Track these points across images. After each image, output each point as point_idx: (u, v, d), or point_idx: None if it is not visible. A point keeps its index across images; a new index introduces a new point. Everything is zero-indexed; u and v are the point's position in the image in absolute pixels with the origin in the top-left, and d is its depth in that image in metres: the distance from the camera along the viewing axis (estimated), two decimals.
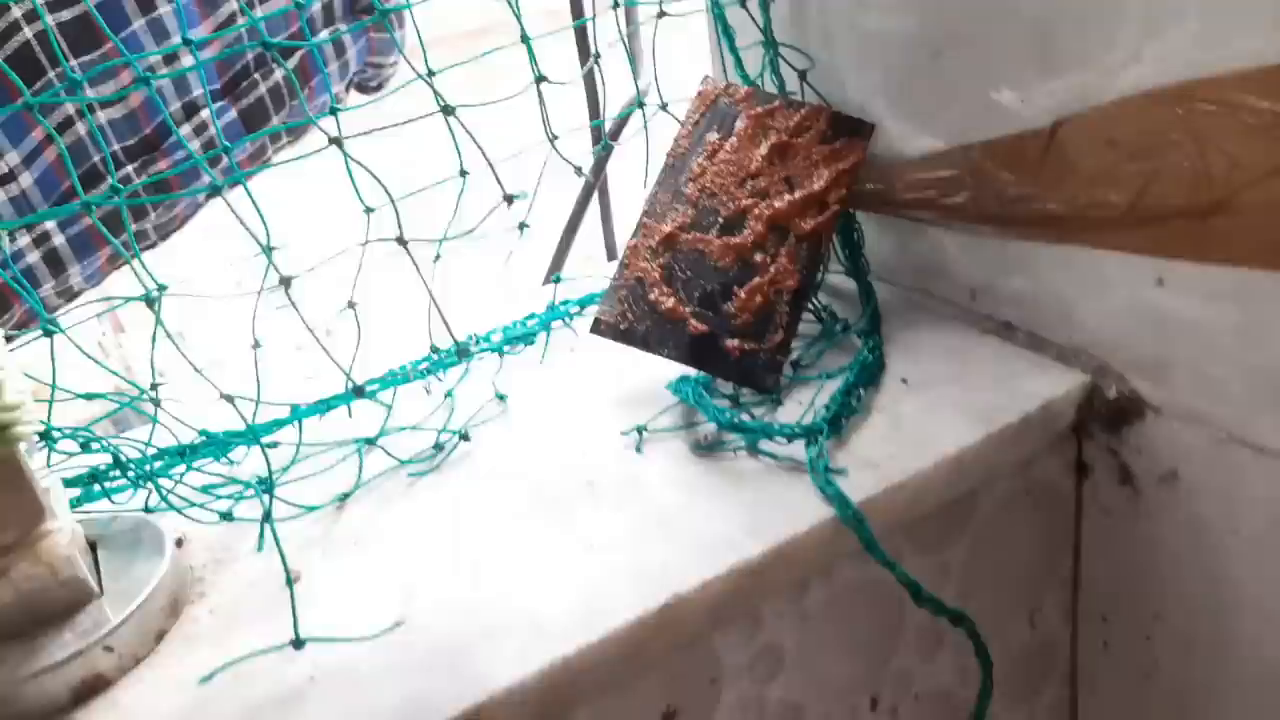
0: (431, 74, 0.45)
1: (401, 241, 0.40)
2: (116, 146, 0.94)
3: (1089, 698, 0.52)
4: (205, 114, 1.02)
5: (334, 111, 0.46)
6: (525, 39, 0.48)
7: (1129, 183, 0.41)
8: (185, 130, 1.00)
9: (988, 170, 0.47)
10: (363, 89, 1.18)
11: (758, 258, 0.49)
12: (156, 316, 0.40)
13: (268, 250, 0.42)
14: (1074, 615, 0.51)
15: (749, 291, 0.48)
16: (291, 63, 1.09)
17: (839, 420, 0.44)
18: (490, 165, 0.41)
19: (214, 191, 0.49)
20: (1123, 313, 0.43)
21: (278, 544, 0.37)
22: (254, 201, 0.41)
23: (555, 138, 0.50)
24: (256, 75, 1.06)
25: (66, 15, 0.87)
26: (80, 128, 0.92)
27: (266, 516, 0.38)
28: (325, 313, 0.49)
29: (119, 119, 0.95)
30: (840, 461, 0.42)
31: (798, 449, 0.43)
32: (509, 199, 0.43)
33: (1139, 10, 0.37)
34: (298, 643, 0.35)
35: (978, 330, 0.50)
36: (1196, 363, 0.41)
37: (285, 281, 0.36)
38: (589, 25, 0.49)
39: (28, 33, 0.86)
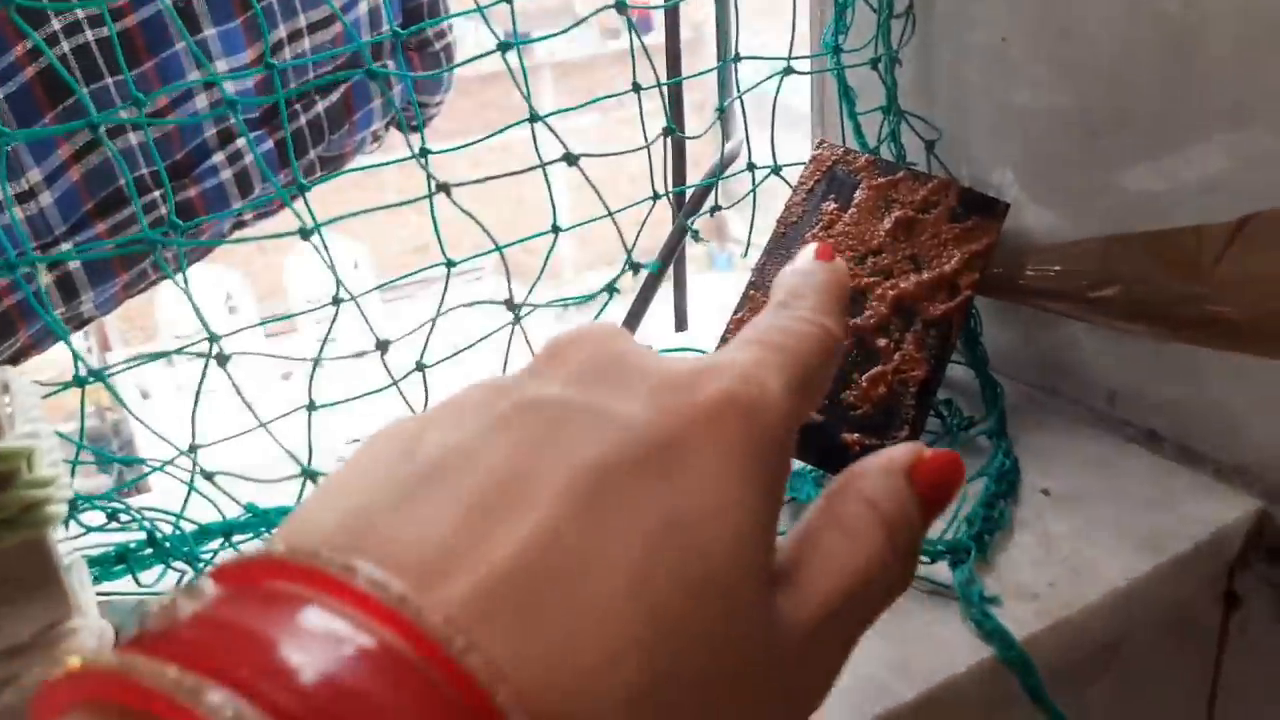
0: (536, 118, 0.40)
1: (513, 307, 0.34)
2: (145, 170, 0.89)
3: None
4: (240, 143, 0.97)
5: (425, 153, 0.42)
6: (636, 86, 0.44)
7: None
8: (219, 158, 0.95)
9: (1147, 265, 0.42)
10: (403, 127, 1.13)
11: (881, 342, 0.44)
12: (207, 370, 0.34)
13: (345, 300, 0.37)
14: None
15: (871, 380, 0.43)
16: (336, 96, 1.04)
17: (983, 537, 0.38)
18: (619, 231, 0.36)
19: (239, 225, 0.43)
20: None
21: None
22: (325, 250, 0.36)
23: (659, 195, 0.45)
24: (297, 106, 1.02)
25: (107, 32, 0.82)
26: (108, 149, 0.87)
27: None
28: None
29: (153, 142, 0.90)
30: (990, 588, 0.36)
31: (941, 570, 0.37)
32: (635, 267, 0.38)
33: None
34: None
35: (1119, 438, 0.45)
36: None
37: (383, 346, 0.31)
38: (719, 77, 0.44)
39: (65, 46, 0.81)
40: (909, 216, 0.46)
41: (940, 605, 0.36)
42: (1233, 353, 0.40)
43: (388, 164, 0.45)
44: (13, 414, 0.28)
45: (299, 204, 0.41)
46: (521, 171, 0.37)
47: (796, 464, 0.43)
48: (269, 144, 1.05)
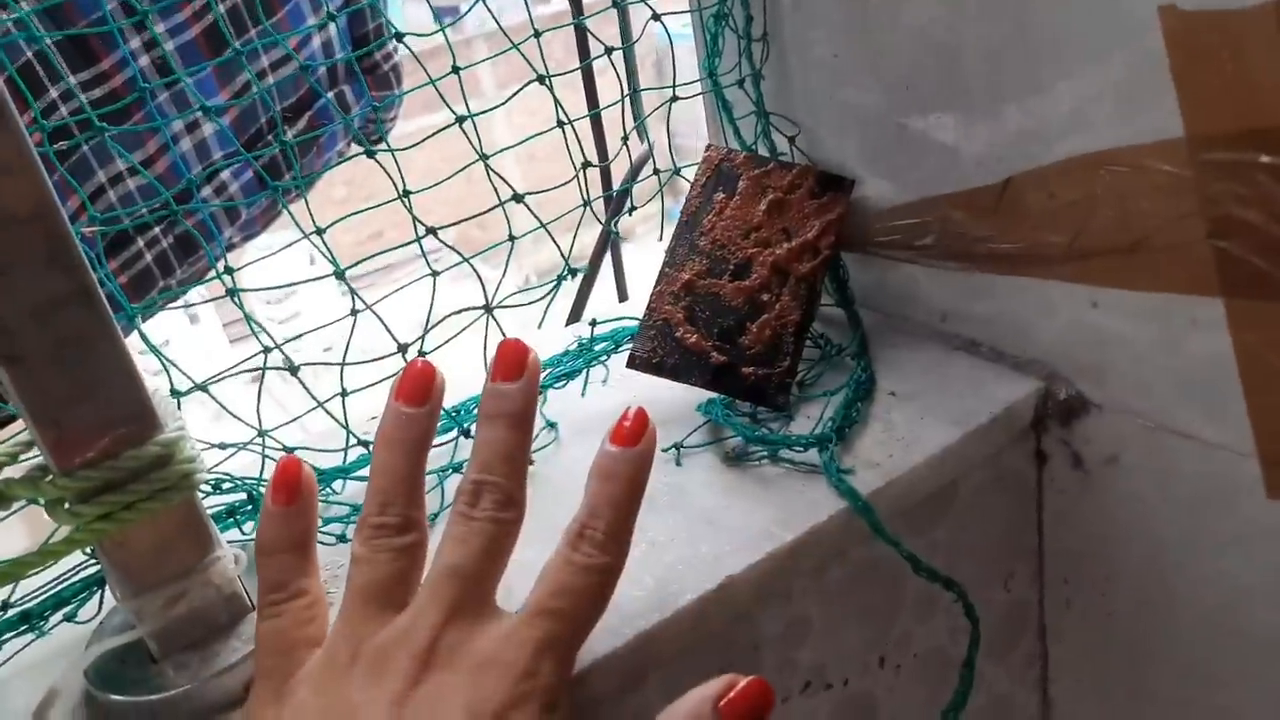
0: (467, 117, 0.54)
1: (489, 310, 0.48)
2: (145, 209, 1.01)
3: (1056, 647, 0.62)
4: (224, 175, 1.10)
5: (392, 151, 0.55)
6: (560, 123, 0.57)
7: (1067, 227, 0.51)
8: (206, 191, 1.08)
9: (951, 217, 0.57)
10: (363, 142, 1.26)
11: (764, 298, 0.58)
12: (265, 374, 0.48)
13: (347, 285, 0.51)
14: (1040, 579, 0.61)
15: (759, 327, 0.58)
16: (302, 123, 1.17)
17: (843, 430, 0.53)
18: (554, 240, 0.50)
19: (247, 238, 0.55)
20: (1067, 330, 0.54)
21: None
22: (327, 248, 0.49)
23: (589, 202, 0.59)
24: (270, 136, 1.15)
25: (98, 93, 0.95)
26: (112, 194, 1.00)
27: None
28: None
29: (145, 185, 1.03)
30: (848, 463, 0.51)
31: (812, 455, 0.52)
32: (572, 272, 0.52)
33: (1069, 98, 0.48)
34: None
35: (949, 347, 0.60)
36: (1127, 368, 0.52)
37: (403, 349, 0.44)
38: (628, 105, 0.58)
39: (63, 110, 0.94)
40: (779, 198, 0.61)
41: (810, 478, 0.51)
42: (1014, 276, 0.55)
43: (348, 158, 0.58)
44: (164, 413, 0.42)
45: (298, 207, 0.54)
46: (471, 163, 0.51)
47: (706, 394, 0.57)
48: (249, 174, 1.19)
